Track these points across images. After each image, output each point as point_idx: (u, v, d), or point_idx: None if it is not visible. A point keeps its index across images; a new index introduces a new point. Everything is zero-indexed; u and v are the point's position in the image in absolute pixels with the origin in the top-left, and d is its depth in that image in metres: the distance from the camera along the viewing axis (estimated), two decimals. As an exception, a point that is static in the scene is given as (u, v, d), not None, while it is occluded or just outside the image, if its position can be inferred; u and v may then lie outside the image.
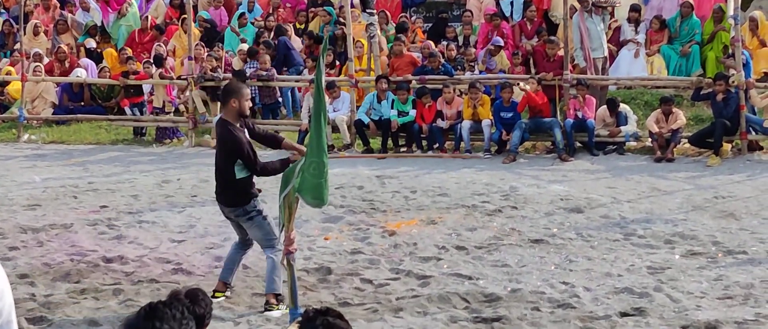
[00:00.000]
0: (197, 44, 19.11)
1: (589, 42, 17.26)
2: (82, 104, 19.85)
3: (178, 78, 18.87)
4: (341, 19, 19.70)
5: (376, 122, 16.83)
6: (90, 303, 9.13)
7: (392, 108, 16.78)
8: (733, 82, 15.50)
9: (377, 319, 8.59)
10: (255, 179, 8.76)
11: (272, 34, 20.36)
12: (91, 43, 21.54)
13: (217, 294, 8.94)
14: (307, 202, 7.96)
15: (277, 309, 8.77)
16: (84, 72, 20.19)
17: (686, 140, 15.83)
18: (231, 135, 8.52)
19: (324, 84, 7.48)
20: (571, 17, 17.32)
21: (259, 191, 8.88)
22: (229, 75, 18.02)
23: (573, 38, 17.21)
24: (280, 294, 8.85)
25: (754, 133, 15.70)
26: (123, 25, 21.86)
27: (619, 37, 19.12)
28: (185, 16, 19.14)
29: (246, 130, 8.72)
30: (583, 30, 17.22)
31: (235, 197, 8.74)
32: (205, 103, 18.30)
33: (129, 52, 20.26)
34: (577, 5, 17.45)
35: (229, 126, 8.58)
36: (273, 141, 9.25)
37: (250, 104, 8.77)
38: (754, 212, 12.03)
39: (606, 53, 17.66)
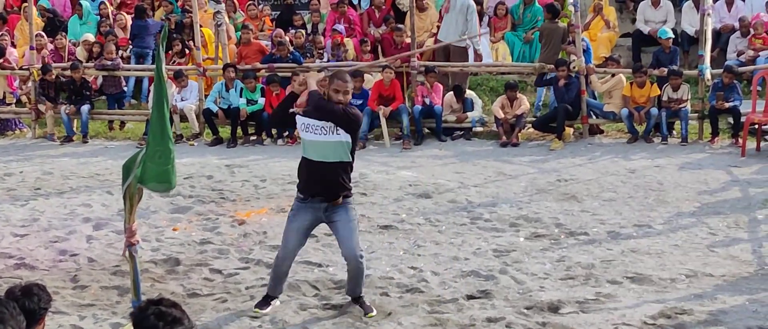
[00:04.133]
0: (38, 34, 18.56)
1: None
2: None
3: (20, 69, 18.31)
4: (188, 7, 19.43)
5: (225, 110, 16.66)
6: (-73, 301, 8.81)
7: (241, 97, 16.65)
8: (573, 67, 15.94)
9: (226, 309, 8.55)
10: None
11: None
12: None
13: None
14: (153, 189, 7.81)
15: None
16: None
17: (530, 125, 16.21)
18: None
19: (164, 71, 7.36)
20: (416, 6, 17.51)
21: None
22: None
23: (470, 26, 17.13)
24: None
25: (594, 117, 16.17)
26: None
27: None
28: (26, 4, 18.59)
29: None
30: (476, 17, 17.39)
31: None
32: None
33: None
34: None
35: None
36: None
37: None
38: (595, 194, 12.40)
39: None
